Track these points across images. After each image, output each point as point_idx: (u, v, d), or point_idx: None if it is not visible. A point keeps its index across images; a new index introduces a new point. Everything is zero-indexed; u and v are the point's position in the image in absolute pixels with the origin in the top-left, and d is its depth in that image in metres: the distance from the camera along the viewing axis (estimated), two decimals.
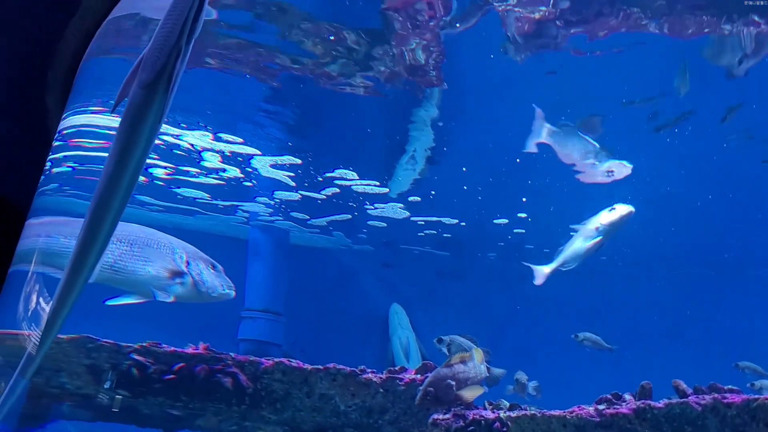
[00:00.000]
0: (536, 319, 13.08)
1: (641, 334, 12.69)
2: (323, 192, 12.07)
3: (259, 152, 10.40)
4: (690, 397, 3.64)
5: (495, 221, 13.34)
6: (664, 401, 3.73)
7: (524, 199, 11.42)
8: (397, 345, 12.44)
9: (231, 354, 4.90)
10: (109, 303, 4.49)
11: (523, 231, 13.09)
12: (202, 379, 4.67)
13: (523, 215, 12.48)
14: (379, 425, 4.89)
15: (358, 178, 11.09)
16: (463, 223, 13.21)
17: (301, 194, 12.21)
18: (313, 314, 13.42)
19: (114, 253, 4.59)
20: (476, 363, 4.38)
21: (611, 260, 13.88)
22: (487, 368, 4.46)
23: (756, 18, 5.08)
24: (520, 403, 5.09)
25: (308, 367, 4.96)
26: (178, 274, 4.80)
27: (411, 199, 12.25)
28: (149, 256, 4.89)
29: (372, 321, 13.21)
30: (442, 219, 13.07)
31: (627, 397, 3.93)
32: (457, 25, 5.66)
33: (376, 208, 12.88)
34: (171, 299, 4.74)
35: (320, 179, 11.24)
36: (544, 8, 5.27)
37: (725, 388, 3.62)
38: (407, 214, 12.92)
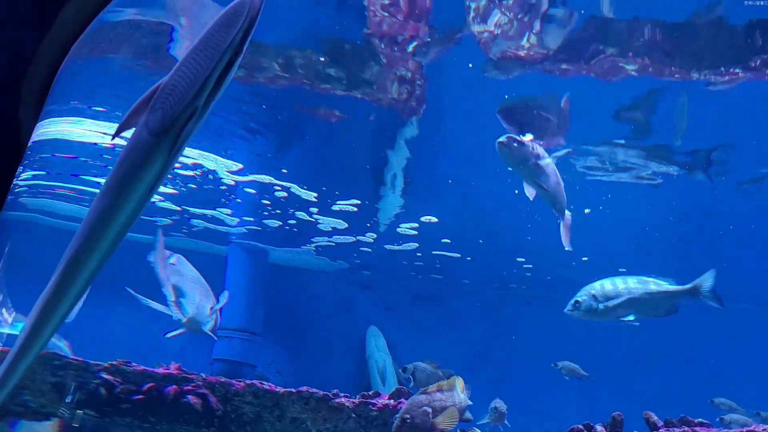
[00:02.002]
0: (514, 345, 13.06)
1: (617, 363, 12.68)
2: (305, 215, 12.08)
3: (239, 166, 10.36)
4: (660, 430, 3.63)
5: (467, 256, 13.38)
6: None
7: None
8: (374, 368, 12.31)
9: (202, 375, 4.82)
10: (168, 336, 5.03)
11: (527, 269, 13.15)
12: (172, 401, 4.58)
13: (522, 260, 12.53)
14: None
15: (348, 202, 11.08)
16: (441, 252, 13.25)
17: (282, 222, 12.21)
18: (290, 335, 13.28)
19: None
20: (456, 391, 4.35)
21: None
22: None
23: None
24: None
25: (280, 390, 4.90)
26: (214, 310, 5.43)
27: (389, 228, 12.25)
28: (206, 294, 5.43)
29: (349, 344, 13.09)
30: (420, 245, 13.10)
31: (598, 428, 3.91)
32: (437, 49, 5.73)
33: (358, 234, 12.88)
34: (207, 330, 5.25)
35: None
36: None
37: (695, 421, 3.61)
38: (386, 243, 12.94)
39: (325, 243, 13.29)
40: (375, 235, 12.79)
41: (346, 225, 12.39)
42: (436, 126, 8.28)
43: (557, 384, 9.88)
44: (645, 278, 4.80)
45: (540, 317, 14.40)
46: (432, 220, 11.78)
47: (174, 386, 4.60)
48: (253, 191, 11.15)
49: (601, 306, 4.66)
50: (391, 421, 4.33)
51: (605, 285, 4.78)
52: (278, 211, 11.83)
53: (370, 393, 5.09)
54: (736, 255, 10.12)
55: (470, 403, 4.57)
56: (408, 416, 4.08)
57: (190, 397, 4.60)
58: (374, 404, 4.93)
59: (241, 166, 10.13)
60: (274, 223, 12.33)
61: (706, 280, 4.70)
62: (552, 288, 14.28)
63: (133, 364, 4.73)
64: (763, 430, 3.34)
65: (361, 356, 13.06)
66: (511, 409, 6.61)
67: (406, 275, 14.40)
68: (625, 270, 5.93)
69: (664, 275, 5.02)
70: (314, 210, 11.99)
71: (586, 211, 9.86)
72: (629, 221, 10.01)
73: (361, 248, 13.53)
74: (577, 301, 4.71)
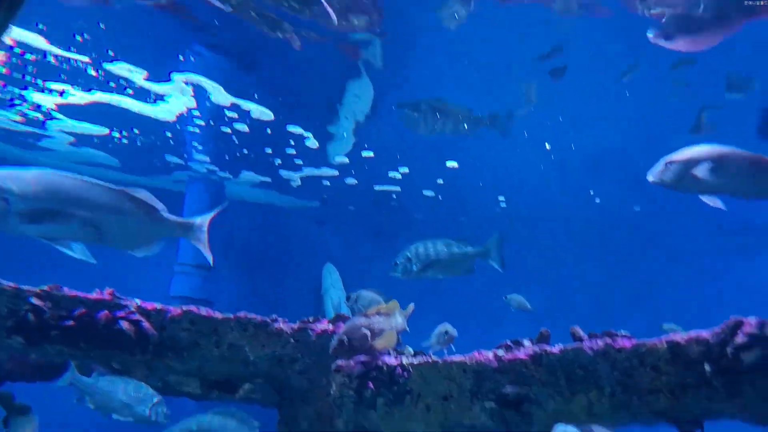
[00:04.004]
0: (468, 280, 13.23)
1: (570, 305, 12.99)
2: (260, 147, 11.90)
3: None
4: (584, 342, 3.68)
5: (424, 192, 13.46)
6: (559, 347, 3.77)
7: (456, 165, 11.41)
8: (329, 304, 12.41)
9: (136, 301, 4.74)
10: None
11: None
12: (103, 327, 4.50)
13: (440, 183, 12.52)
14: (288, 375, 4.83)
15: (302, 132, 10.93)
16: (398, 188, 13.26)
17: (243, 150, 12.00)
18: (248, 271, 13.27)
19: None
20: (395, 315, 4.35)
21: (547, 231, 14.14)
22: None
23: None
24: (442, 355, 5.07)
25: (218, 316, 4.85)
26: None
27: (347, 159, 12.19)
28: None
29: (306, 279, 13.13)
30: (378, 180, 13.07)
31: (526, 343, 3.96)
32: None
33: (313, 168, 12.78)
34: None
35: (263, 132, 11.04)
36: None
37: (619, 334, 3.67)
38: (339, 173, 12.86)
39: (285, 176, 13.21)
40: (336, 172, 12.73)
41: (301, 162, 12.27)
42: (396, 55, 8.11)
43: (509, 320, 10.06)
44: (449, 241, 5.13)
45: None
46: (391, 155, 11.70)
47: (105, 312, 4.52)
48: (202, 123, 10.93)
49: (415, 267, 4.95)
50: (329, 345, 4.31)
51: (418, 248, 5.10)
52: (237, 142, 11.66)
53: (310, 319, 5.08)
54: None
55: (407, 329, 4.59)
56: (346, 338, 4.08)
57: (122, 323, 4.53)
58: (313, 329, 4.92)
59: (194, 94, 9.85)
60: (232, 155, 12.17)
61: (492, 244, 5.12)
62: (511, 223, 14.49)
63: (65, 289, 4.62)
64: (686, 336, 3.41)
65: (317, 292, 13.13)
66: (460, 341, 6.70)
67: (365, 211, 14.42)
68: None
69: None
70: (270, 146, 11.82)
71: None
72: None
73: (321, 183, 13.48)
74: (395, 263, 5.00)
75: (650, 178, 4.28)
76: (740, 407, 3.25)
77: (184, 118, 10.73)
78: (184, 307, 4.81)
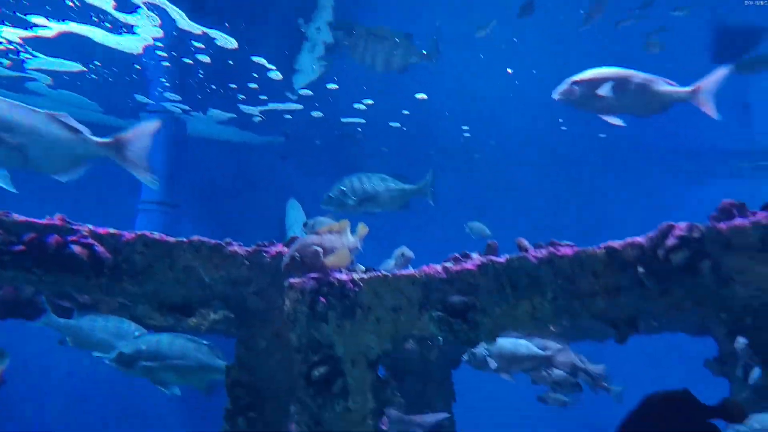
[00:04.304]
0: (431, 213, 13.40)
1: (531, 232, 13.20)
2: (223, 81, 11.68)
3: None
4: (529, 251, 3.80)
5: (391, 124, 13.42)
6: (505, 256, 3.88)
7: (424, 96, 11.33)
8: None
9: (89, 226, 4.71)
10: None
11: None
12: (55, 251, 4.48)
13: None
14: (244, 296, 4.90)
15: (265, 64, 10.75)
16: (363, 120, 13.19)
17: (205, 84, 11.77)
18: (210, 208, 13.20)
19: None
20: (347, 234, 4.40)
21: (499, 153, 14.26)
22: None
23: None
24: None
25: (172, 240, 4.86)
26: None
27: (311, 92, 12.04)
28: None
29: (270, 216, 13.13)
30: (344, 113, 12.98)
31: (474, 255, 4.07)
32: None
33: (277, 102, 12.62)
34: None
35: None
36: None
37: (562, 243, 3.79)
38: (303, 107, 12.72)
39: (249, 111, 13.06)
40: (301, 106, 12.60)
41: (266, 97, 12.10)
42: None
43: (471, 248, 10.22)
44: (384, 176, 5.22)
45: (458, 184, 14.78)
46: (356, 86, 11.59)
47: (56, 236, 4.49)
48: (165, 55, 10.69)
49: (350, 201, 5.00)
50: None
51: (353, 182, 5.15)
52: (201, 76, 11.46)
53: (265, 243, 5.12)
54: None
55: (360, 248, 4.65)
56: (298, 254, 4.13)
57: (74, 247, 4.51)
58: (268, 252, 4.98)
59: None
60: (195, 90, 11.97)
61: (427, 181, 5.29)
62: (470, 154, 14.60)
63: (14, 214, 4.57)
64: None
65: (280, 228, 13.17)
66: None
67: (330, 145, 14.36)
68: None
69: None
70: (234, 81, 11.62)
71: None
72: None
73: (285, 117, 13.35)
74: (330, 196, 5.04)
75: (555, 96, 4.50)
76: (669, 306, 3.42)
77: (150, 51, 10.51)
78: (138, 232, 4.80)
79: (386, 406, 4.22)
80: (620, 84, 4.29)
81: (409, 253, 6.10)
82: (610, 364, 5.59)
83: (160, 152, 11.59)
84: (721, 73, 4.30)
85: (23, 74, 11.98)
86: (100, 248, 4.60)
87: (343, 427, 4.10)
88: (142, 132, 4.25)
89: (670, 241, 3.32)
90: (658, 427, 3.13)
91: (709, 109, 4.18)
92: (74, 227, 4.64)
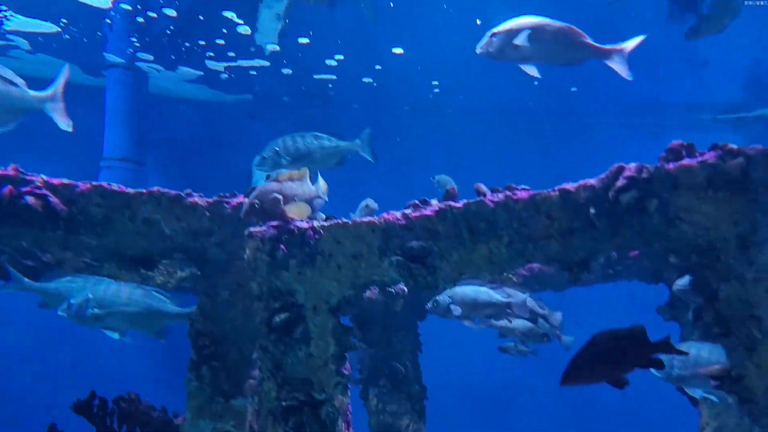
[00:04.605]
0: (402, 170, 13.43)
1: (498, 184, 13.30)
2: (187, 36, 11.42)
3: None
4: (486, 196, 3.84)
5: (364, 79, 13.30)
6: (462, 201, 3.92)
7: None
8: None
9: (43, 176, 4.62)
10: None
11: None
12: (8, 202, 4.40)
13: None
14: (205, 248, 4.89)
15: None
16: (334, 77, 13.04)
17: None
18: (176, 166, 13.03)
19: None
20: (307, 181, 4.39)
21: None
22: None
23: None
24: None
25: (130, 191, 4.80)
26: None
27: (278, 47, 11.84)
28: None
29: (237, 175, 13.00)
30: (314, 69, 12.82)
31: (433, 202, 4.10)
32: None
33: (246, 59, 12.40)
34: None
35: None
36: None
37: (519, 187, 3.83)
38: (272, 63, 12.53)
39: (216, 68, 12.83)
40: (268, 63, 12.40)
41: (234, 54, 11.88)
42: None
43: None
44: (319, 134, 5.25)
45: (427, 139, 14.82)
46: (327, 41, 11.41)
47: (9, 186, 4.41)
48: (129, 8, 10.43)
49: (284, 161, 5.00)
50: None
51: (287, 142, 5.15)
52: (169, 31, 11.18)
53: (227, 194, 5.09)
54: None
55: (326, 199, 4.65)
56: (257, 201, 4.10)
57: (28, 198, 4.43)
58: (229, 202, 4.95)
59: None
60: (162, 46, 11.71)
61: (364, 138, 5.34)
62: (440, 109, 14.58)
63: None
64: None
65: (247, 187, 13.07)
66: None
67: (299, 103, 14.21)
68: None
69: None
70: (203, 37, 11.36)
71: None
72: None
73: (254, 75, 13.14)
74: (263, 157, 5.04)
75: (478, 50, 4.54)
76: (618, 246, 3.51)
77: (117, 5, 10.20)
78: (94, 182, 4.73)
79: (348, 351, 4.28)
80: (537, 33, 4.33)
81: (374, 205, 6.11)
82: (568, 314, 5.74)
83: (122, 108, 11.33)
84: (637, 40, 4.45)
85: (2, 41, 11.72)
86: (54, 199, 4.52)
87: (306, 372, 4.17)
88: (64, 82, 4.41)
89: (620, 182, 3.39)
90: (605, 363, 3.25)
91: (622, 70, 4.32)
92: (28, 178, 4.55)
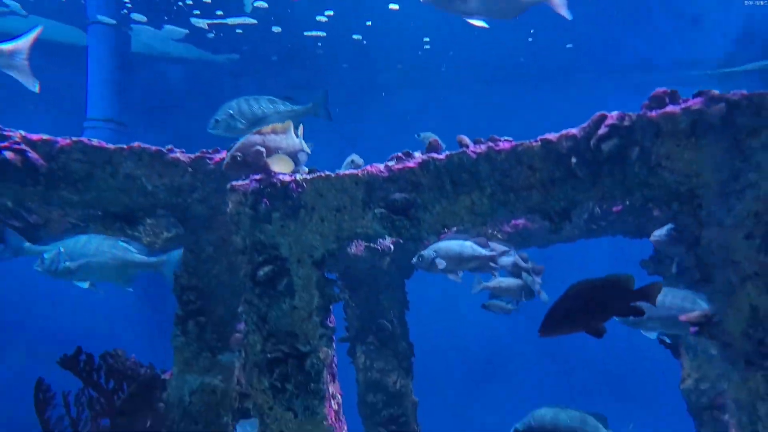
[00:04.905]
0: (381, 129, 13.32)
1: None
2: None
3: None
4: (469, 147, 3.81)
5: (354, 36, 13.10)
6: (445, 153, 3.90)
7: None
8: None
9: (21, 132, 4.56)
10: None
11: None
12: None
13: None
14: (188, 204, 4.86)
15: None
16: (323, 33, 12.85)
17: None
18: (162, 127, 12.88)
19: None
20: (291, 134, 4.33)
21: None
22: None
23: None
24: None
25: (111, 146, 4.75)
26: None
27: (266, 3, 11.64)
28: None
29: (222, 136, 12.90)
30: (303, 26, 12.62)
31: (417, 154, 4.07)
32: None
33: (233, 17, 12.19)
34: None
35: None
36: None
37: (501, 138, 3.80)
38: (259, 21, 12.32)
39: (198, 24, 12.60)
40: (255, 21, 12.19)
41: (222, 12, 11.65)
42: None
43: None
44: (273, 98, 5.19)
45: (419, 96, 14.69)
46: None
47: None
48: None
49: (239, 124, 4.92)
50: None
51: (241, 105, 5.08)
52: None
53: (209, 150, 5.04)
54: None
55: (308, 151, 4.60)
56: (239, 154, 4.05)
57: (6, 153, 4.37)
58: (211, 158, 4.91)
59: None
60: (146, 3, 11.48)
61: (318, 100, 5.33)
62: (431, 68, 14.42)
63: None
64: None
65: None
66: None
67: (287, 62, 14.00)
68: None
69: None
70: None
71: None
72: None
73: (241, 33, 12.93)
74: (216, 120, 4.95)
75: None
76: (600, 196, 3.50)
77: None
78: (74, 138, 4.67)
79: (332, 304, 4.29)
80: None
81: (359, 161, 6.07)
82: (553, 271, 5.76)
83: (104, 67, 11.13)
84: None
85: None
86: (33, 154, 4.47)
87: (290, 324, 4.18)
88: (31, 40, 4.21)
89: (602, 131, 3.37)
90: (583, 312, 3.27)
91: (562, 11, 4.20)
92: (6, 133, 4.48)
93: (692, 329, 3.38)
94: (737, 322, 3.24)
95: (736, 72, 13.73)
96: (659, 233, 4.53)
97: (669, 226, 4.69)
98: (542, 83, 14.78)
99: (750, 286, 3.23)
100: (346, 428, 4.37)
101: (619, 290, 3.28)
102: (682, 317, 3.51)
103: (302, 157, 4.54)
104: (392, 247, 6.14)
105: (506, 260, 5.04)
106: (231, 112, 4.90)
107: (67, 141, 4.63)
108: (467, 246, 5.07)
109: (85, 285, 5.02)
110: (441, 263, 4.86)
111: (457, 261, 4.96)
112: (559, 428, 3.68)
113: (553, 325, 3.30)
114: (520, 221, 5.78)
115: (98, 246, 4.96)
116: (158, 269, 5.06)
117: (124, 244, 5.01)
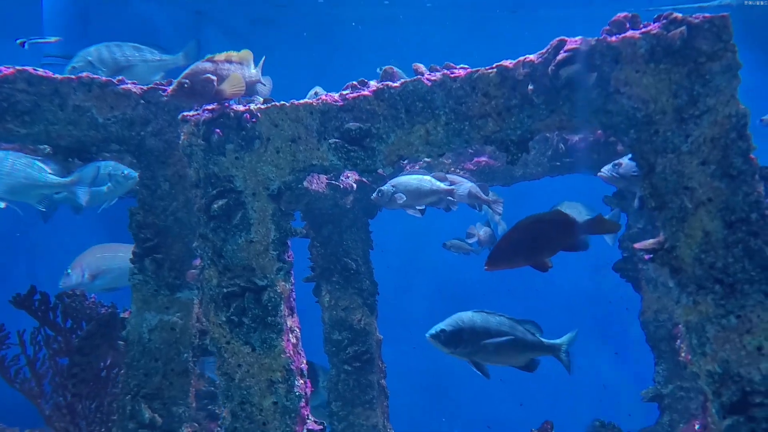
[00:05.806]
0: (354, 62, 12.98)
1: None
2: None
3: None
4: (425, 75, 3.71)
5: None
6: (401, 81, 3.79)
7: None
8: None
9: None
10: None
11: None
12: None
13: None
14: (142, 137, 4.70)
15: None
16: None
17: None
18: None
19: None
20: (249, 65, 4.17)
21: None
22: None
23: None
24: None
25: (58, 77, 4.54)
26: None
27: None
28: None
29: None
30: None
31: (372, 82, 3.95)
32: None
33: None
34: None
35: None
36: None
37: (458, 66, 3.70)
38: None
39: None
40: None
41: None
42: None
43: None
44: (139, 45, 5.00)
45: (383, 37, 14.32)
46: None
47: None
48: None
49: (99, 73, 4.71)
50: None
51: (101, 52, 4.86)
52: None
53: (163, 82, 4.85)
54: None
55: (266, 84, 4.45)
56: (187, 81, 3.88)
57: None
58: (165, 90, 4.73)
59: None
60: None
61: (189, 51, 5.27)
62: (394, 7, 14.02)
63: None
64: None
65: None
66: None
67: (242, 29, 13.50)
68: None
69: None
70: None
71: None
72: None
73: None
74: (73, 67, 4.74)
75: None
76: (557, 124, 3.44)
77: None
78: (18, 67, 4.46)
79: (289, 237, 4.23)
80: None
81: (323, 92, 5.93)
82: (515, 209, 5.74)
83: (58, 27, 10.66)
84: None
85: None
86: None
87: (246, 258, 4.12)
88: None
89: (560, 56, 3.28)
90: (530, 247, 3.26)
91: None
92: None
93: (646, 256, 3.39)
94: (690, 248, 3.24)
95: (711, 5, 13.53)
96: (606, 168, 4.52)
97: (615, 161, 4.69)
98: (508, 14, 14.30)
99: (703, 212, 3.22)
100: (305, 361, 4.37)
101: (566, 224, 3.27)
102: (637, 245, 3.52)
103: (262, 89, 4.40)
104: (355, 185, 6.05)
105: (462, 189, 4.99)
106: (89, 59, 4.61)
107: (11, 70, 4.42)
108: (426, 180, 5.02)
109: (1, 205, 4.88)
110: (401, 197, 4.81)
111: (416, 195, 4.91)
112: (489, 331, 3.72)
113: (499, 258, 3.30)
114: (483, 158, 5.71)
115: (13, 165, 4.80)
116: (70, 189, 4.93)
117: (40, 164, 4.86)
